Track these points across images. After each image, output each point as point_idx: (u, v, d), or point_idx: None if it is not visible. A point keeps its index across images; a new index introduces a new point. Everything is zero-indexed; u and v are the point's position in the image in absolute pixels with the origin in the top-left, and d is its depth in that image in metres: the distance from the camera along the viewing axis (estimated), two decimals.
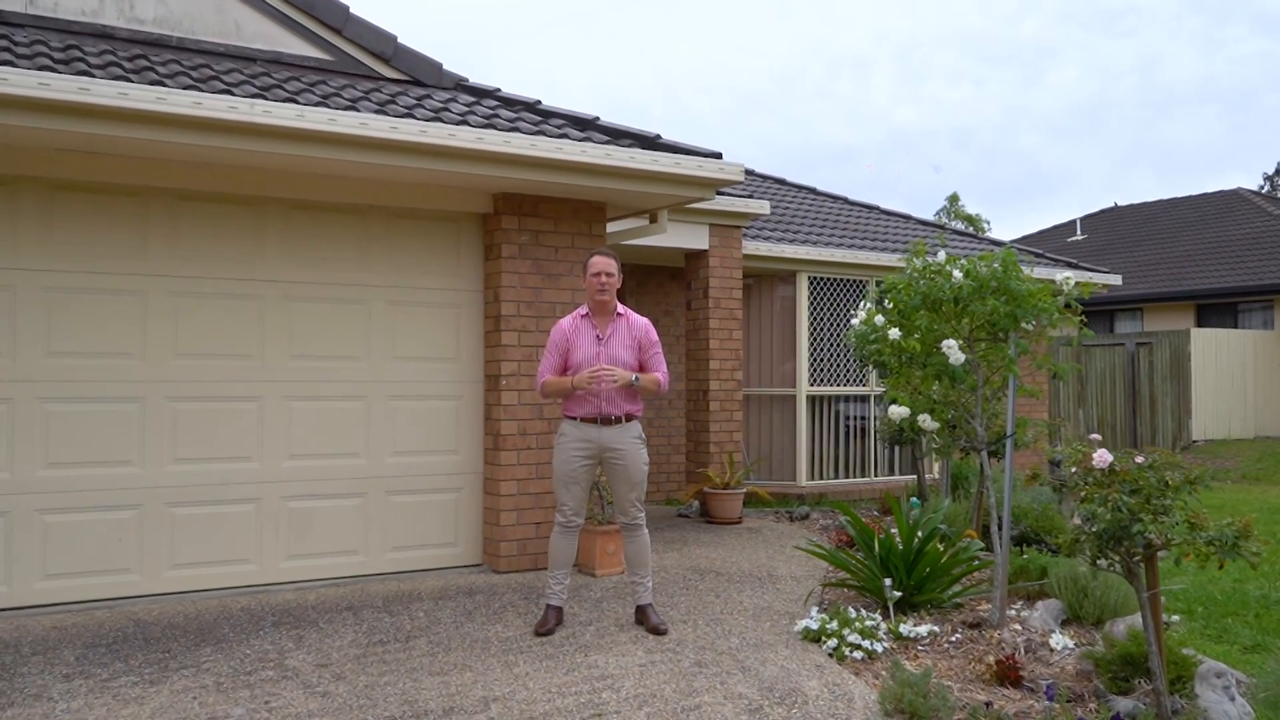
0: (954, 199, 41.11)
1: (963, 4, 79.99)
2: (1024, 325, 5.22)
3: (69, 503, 5.57)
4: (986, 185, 66.79)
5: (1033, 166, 72.10)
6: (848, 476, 10.70)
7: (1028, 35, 78.54)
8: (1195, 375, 16.25)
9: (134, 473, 5.74)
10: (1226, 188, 24.12)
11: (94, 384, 5.65)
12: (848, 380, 10.69)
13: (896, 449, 10.98)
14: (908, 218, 13.28)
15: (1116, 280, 12.59)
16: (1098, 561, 3.62)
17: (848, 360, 10.63)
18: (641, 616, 5.21)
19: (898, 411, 5.20)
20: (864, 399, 10.81)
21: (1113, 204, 27.23)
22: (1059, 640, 4.80)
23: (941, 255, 5.31)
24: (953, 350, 4.93)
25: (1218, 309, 19.20)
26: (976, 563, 5.75)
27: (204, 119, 5.16)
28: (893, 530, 5.79)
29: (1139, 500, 3.46)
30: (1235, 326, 18.63)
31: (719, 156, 6.65)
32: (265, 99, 5.39)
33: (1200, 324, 19.05)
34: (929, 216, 29.83)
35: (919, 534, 5.57)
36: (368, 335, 6.43)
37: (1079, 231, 24.77)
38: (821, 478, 10.52)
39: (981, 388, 5.29)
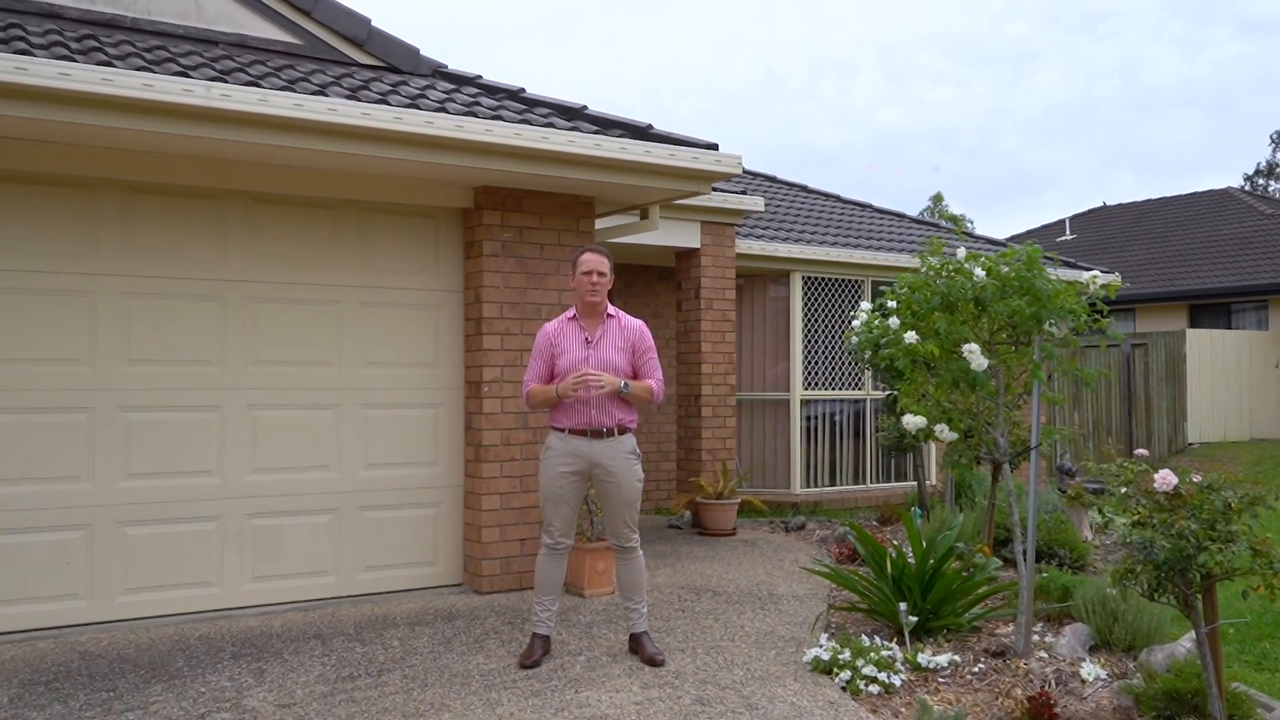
0: (938, 199, 40.91)
1: (947, 6, 79.98)
2: (1047, 327, 4.83)
3: (9, 523, 5.08)
4: (969, 186, 66.77)
5: (1015, 168, 72.17)
6: (843, 484, 10.31)
7: (1011, 37, 78.62)
8: (1191, 377, 15.96)
9: (82, 489, 5.27)
10: (1215, 187, 23.92)
11: (37, 393, 5.18)
12: (843, 384, 10.30)
13: (894, 455, 10.60)
14: (902, 216, 12.92)
15: (1117, 280, 12.27)
16: (1155, 595, 3.23)
17: (843, 363, 10.25)
18: (636, 645, 4.78)
19: (913, 421, 4.80)
20: (860, 403, 10.43)
21: (1101, 203, 27.01)
22: (1090, 670, 4.41)
23: (961, 252, 4.91)
24: (975, 355, 4.53)
25: (1211, 309, 18.94)
26: (996, 583, 5.36)
27: (155, 103, 4.70)
28: (905, 547, 5.38)
29: (1203, 527, 3.07)
30: (1229, 327, 18.38)
31: (715, 148, 6.23)
32: (225, 82, 4.93)
33: (1193, 324, 18.79)
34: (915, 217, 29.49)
35: (934, 552, 5.17)
36: (339, 339, 5.97)
37: (1068, 231, 24.50)
38: (816, 485, 10.13)
39: (1003, 394, 4.90)
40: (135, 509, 5.38)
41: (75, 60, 4.67)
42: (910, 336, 4.77)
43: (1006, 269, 4.77)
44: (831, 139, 73.43)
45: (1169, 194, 24.83)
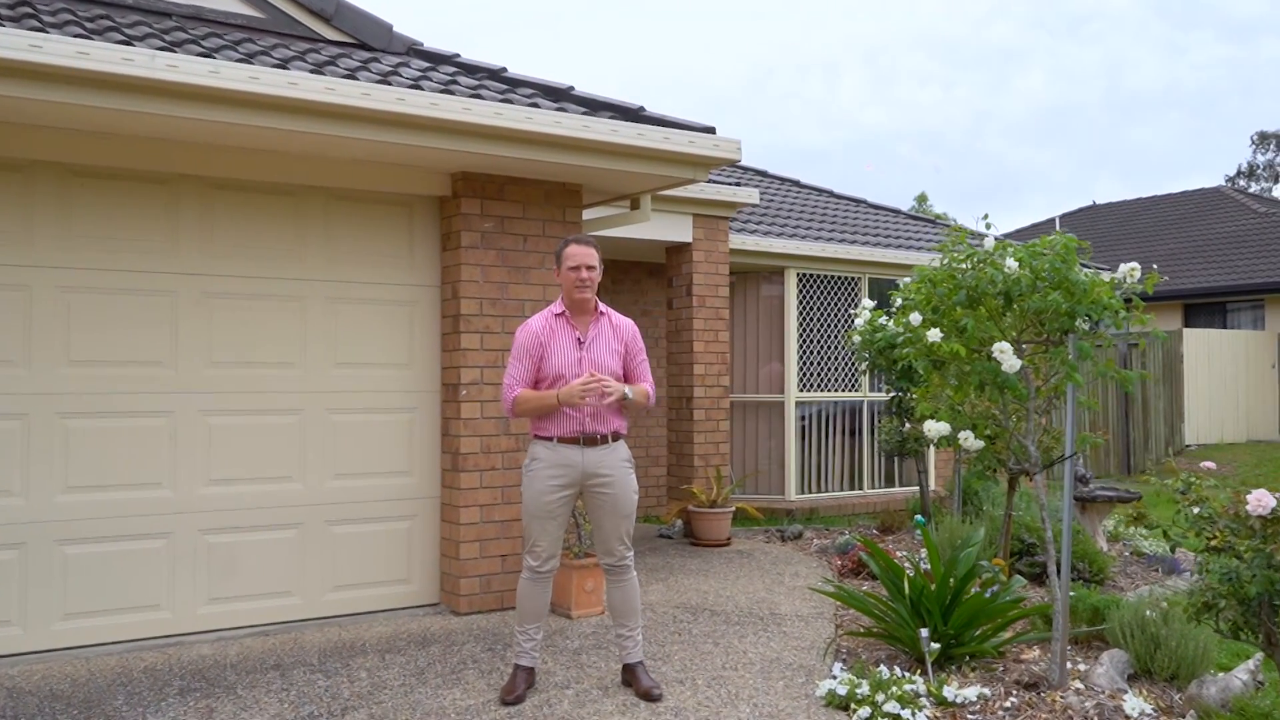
0: (922, 199, 40.62)
1: (932, 8, 79.93)
2: (1079, 325, 4.40)
3: None
4: (954, 187, 66.63)
5: (999, 169, 72.12)
6: (841, 489, 9.87)
7: (996, 39, 78.62)
8: (1188, 377, 15.62)
9: (15, 504, 4.75)
10: (1206, 185, 23.66)
11: None
12: (839, 385, 9.86)
13: (893, 459, 10.17)
14: (897, 212, 12.50)
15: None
16: (1240, 634, 2.79)
17: (839, 364, 9.81)
18: (631, 677, 4.30)
19: (936, 428, 4.35)
20: (857, 405, 9.99)
21: (1091, 202, 26.73)
22: (1135, 705, 3.97)
23: (989, 242, 4.47)
24: (1007, 355, 4.09)
25: (1206, 309, 18.64)
26: (1025, 606, 4.92)
27: (93, 73, 4.20)
28: (922, 563, 4.94)
29: None
30: (1224, 326, 18.07)
31: (712, 131, 5.77)
32: (173, 53, 4.43)
33: (1188, 324, 18.48)
34: None
35: (955, 571, 4.73)
36: (303, 338, 5.48)
37: (1059, 230, 24.18)
38: (812, 491, 9.68)
39: (1034, 398, 4.46)
40: (75, 525, 4.86)
41: (4, 26, 4.16)
42: (934, 334, 4.32)
43: (1038, 261, 4.33)
44: (816, 140, 73.19)
45: (1164, 192, 24.53)
